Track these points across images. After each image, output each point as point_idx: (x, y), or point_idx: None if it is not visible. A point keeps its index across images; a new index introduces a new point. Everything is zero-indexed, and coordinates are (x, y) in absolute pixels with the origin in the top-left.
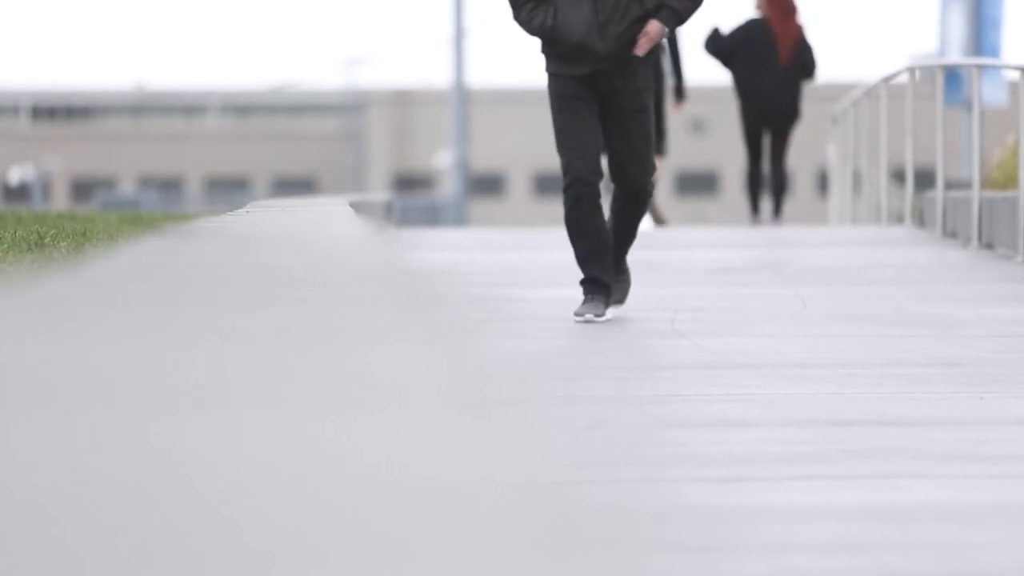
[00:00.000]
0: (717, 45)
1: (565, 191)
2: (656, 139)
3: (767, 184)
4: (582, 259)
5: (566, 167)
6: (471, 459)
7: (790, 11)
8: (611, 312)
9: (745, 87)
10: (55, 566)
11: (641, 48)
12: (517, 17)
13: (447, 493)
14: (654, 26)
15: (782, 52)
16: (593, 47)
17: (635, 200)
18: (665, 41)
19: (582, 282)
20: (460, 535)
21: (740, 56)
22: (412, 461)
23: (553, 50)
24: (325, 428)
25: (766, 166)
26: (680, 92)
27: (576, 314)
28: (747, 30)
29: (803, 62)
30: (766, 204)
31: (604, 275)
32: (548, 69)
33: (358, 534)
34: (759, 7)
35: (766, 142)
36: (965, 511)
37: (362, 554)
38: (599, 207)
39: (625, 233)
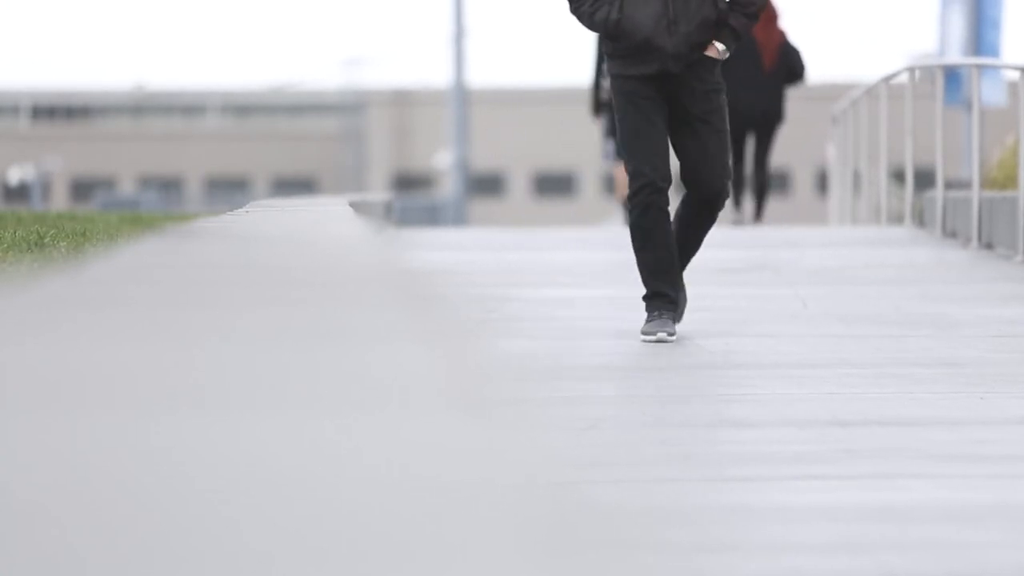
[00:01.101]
0: None
1: (631, 198)
2: None
3: (749, 186)
4: (649, 272)
5: (634, 172)
6: (471, 459)
7: (771, 17)
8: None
9: (729, 92)
10: (55, 566)
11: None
12: (577, 9)
13: (447, 493)
14: (713, 49)
15: (765, 57)
16: (661, 45)
17: (709, 206)
18: None
19: (647, 298)
20: (460, 535)
21: (724, 63)
22: (412, 461)
23: (616, 47)
24: (325, 428)
25: (748, 168)
26: None
27: (644, 333)
28: None
29: (789, 66)
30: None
31: (672, 290)
32: (612, 71)
33: (358, 534)
34: None
35: (750, 145)
36: (965, 511)
37: (362, 554)
38: (668, 216)
39: (690, 243)
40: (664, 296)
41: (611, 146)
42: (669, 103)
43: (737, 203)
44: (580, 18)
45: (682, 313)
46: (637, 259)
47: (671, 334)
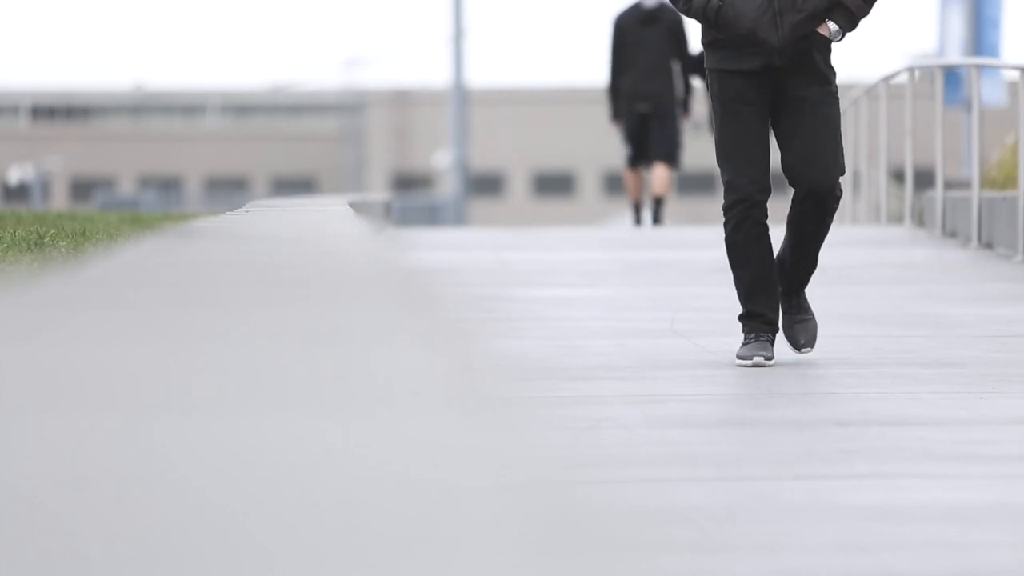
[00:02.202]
0: (694, 65)
1: (727, 211)
2: (673, 151)
3: None
4: (745, 291)
5: (729, 184)
6: (471, 459)
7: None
8: (804, 352)
9: None
10: (57, 565)
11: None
12: None
13: (447, 493)
14: (825, 29)
15: None
16: (765, 38)
17: (819, 206)
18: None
19: (743, 318)
20: (460, 535)
21: None
22: (412, 461)
23: (717, 38)
24: (325, 428)
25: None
26: (687, 106)
27: (739, 357)
28: None
29: None
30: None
31: (771, 311)
32: (710, 64)
33: (358, 534)
34: None
35: None
36: (965, 511)
37: (362, 554)
38: (766, 230)
39: (805, 253)
40: (760, 316)
41: (629, 150)
42: (773, 91)
43: None
44: (677, 5)
45: (814, 337)
46: (734, 276)
47: (769, 358)
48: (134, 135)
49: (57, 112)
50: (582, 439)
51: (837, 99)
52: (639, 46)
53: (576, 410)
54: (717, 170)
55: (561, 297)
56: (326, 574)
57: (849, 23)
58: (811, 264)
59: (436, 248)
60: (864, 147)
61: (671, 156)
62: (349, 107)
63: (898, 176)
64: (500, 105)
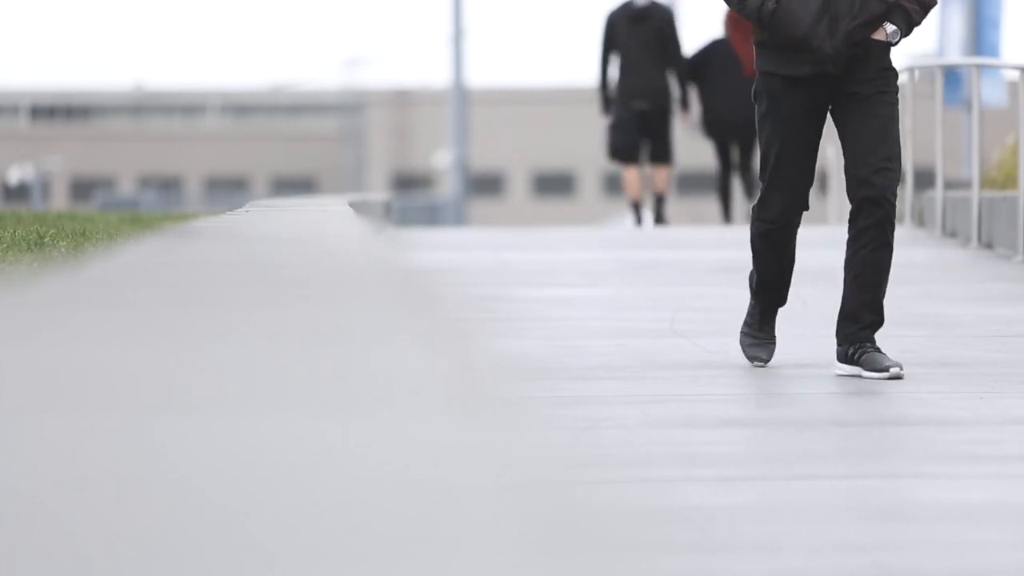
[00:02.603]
0: (684, 68)
1: (755, 221)
2: (664, 149)
3: (738, 190)
4: (760, 280)
5: (765, 200)
6: (471, 459)
7: (751, 30)
8: (892, 371)
9: (711, 103)
10: (57, 565)
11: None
12: None
13: (447, 493)
14: (881, 32)
15: (745, 68)
16: (819, 45)
17: (873, 213)
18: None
19: (756, 292)
20: (460, 535)
21: (705, 74)
22: (412, 461)
23: (769, 39)
24: (325, 428)
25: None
26: (685, 104)
27: (750, 358)
28: (711, 49)
29: None
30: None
31: (781, 300)
32: (760, 66)
33: (358, 534)
34: (724, 28)
35: (734, 153)
36: (965, 511)
37: (362, 554)
38: (794, 237)
39: (870, 276)
40: (772, 295)
41: (615, 143)
42: (831, 92)
43: (726, 214)
44: (731, 4)
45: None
46: (753, 263)
47: (766, 361)
48: (134, 135)
49: (57, 112)
50: (582, 439)
51: (897, 100)
52: (629, 45)
53: (576, 410)
54: (717, 170)
55: (561, 297)
56: (326, 574)
57: (906, 25)
58: (880, 287)
59: (436, 248)
60: None
61: (666, 155)
62: (349, 107)
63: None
64: (500, 105)
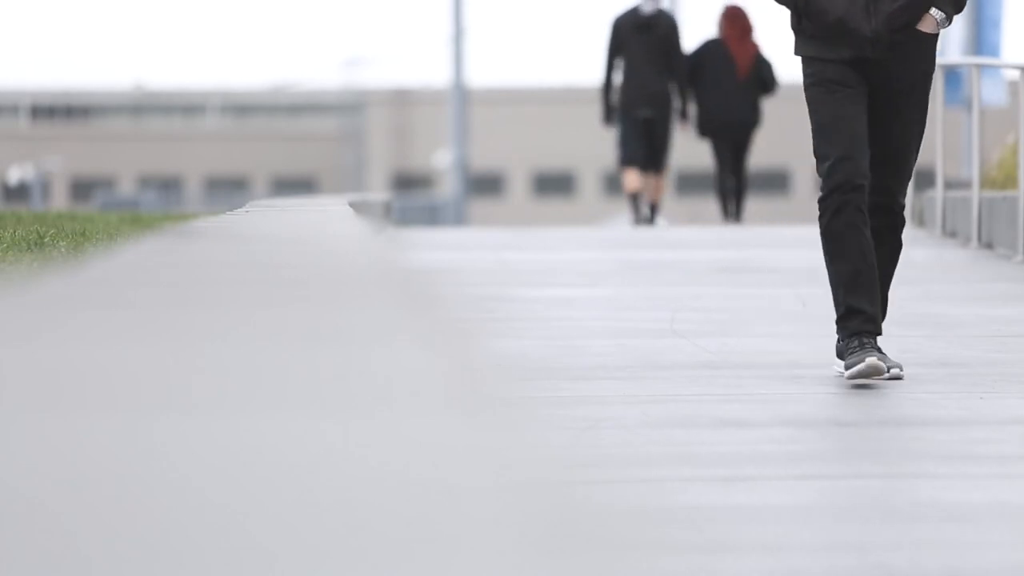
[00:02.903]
0: (684, 73)
1: (824, 199)
2: (660, 154)
3: (731, 190)
4: (845, 285)
5: (829, 169)
6: (471, 459)
7: (747, 30)
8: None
9: (706, 103)
10: (57, 565)
11: (924, 26)
12: None
13: (447, 493)
14: (930, 20)
15: (740, 68)
16: (857, 27)
17: (886, 217)
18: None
19: (843, 318)
20: (460, 535)
21: (700, 74)
22: (412, 461)
23: (807, 26)
24: (325, 428)
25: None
26: (684, 113)
27: (847, 368)
28: (706, 50)
29: (762, 79)
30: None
31: (872, 307)
32: (799, 51)
33: (358, 534)
34: (719, 28)
35: (729, 152)
36: (965, 511)
37: (362, 554)
38: (866, 220)
39: (883, 265)
40: (862, 313)
41: (621, 153)
42: (871, 84)
43: (725, 212)
44: None
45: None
46: (829, 271)
47: (881, 359)
48: (134, 135)
49: (57, 112)
50: (582, 439)
51: (927, 104)
52: (635, 52)
53: (576, 410)
54: (716, 170)
55: (561, 297)
56: (326, 574)
57: (954, 6)
58: (883, 286)
59: (436, 248)
60: None
61: (659, 163)
62: (349, 107)
63: None
64: (500, 105)
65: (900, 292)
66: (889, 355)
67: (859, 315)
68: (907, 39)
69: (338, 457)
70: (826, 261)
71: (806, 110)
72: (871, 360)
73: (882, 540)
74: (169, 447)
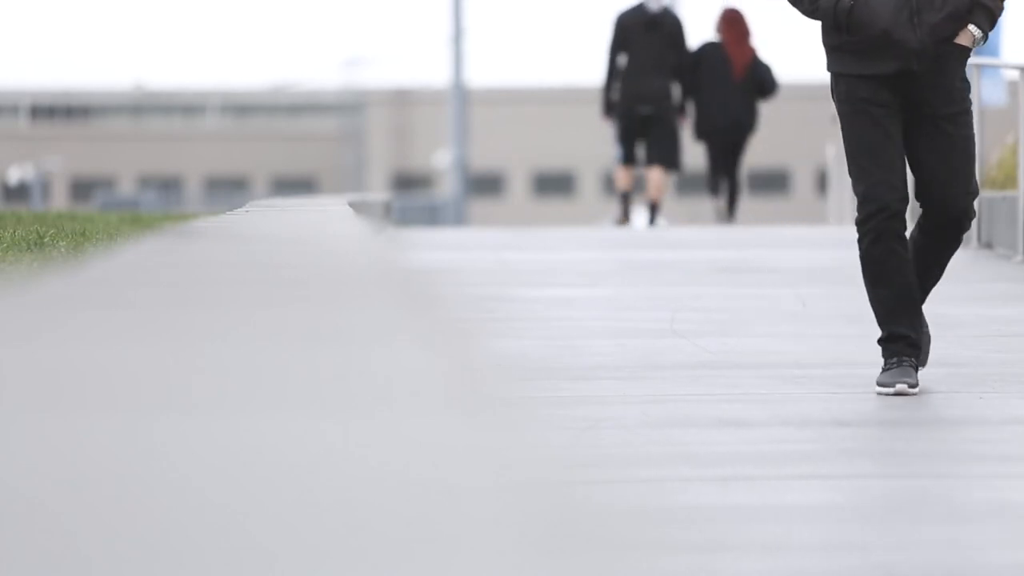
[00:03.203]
0: (685, 71)
1: (862, 224)
2: (673, 155)
3: (724, 190)
4: (886, 311)
5: (865, 193)
6: (471, 459)
7: (744, 34)
8: (897, 387)
9: (703, 105)
10: (57, 565)
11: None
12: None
13: (447, 493)
14: (968, 36)
15: (737, 71)
16: (902, 39)
17: (952, 228)
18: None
19: (883, 341)
20: (460, 535)
21: (698, 76)
22: (412, 461)
23: (846, 41)
24: (325, 428)
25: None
26: (684, 109)
27: (880, 384)
28: (704, 52)
29: (759, 82)
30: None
31: (914, 332)
32: (834, 68)
33: (358, 534)
34: (717, 31)
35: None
36: (965, 511)
37: (362, 554)
38: (905, 243)
39: (931, 271)
40: (903, 339)
41: (619, 151)
42: (906, 106)
43: (727, 211)
44: (801, 8)
45: (926, 356)
46: (870, 296)
47: (913, 385)
48: (134, 135)
49: (57, 112)
50: (582, 439)
51: (972, 116)
52: (640, 49)
53: (576, 410)
54: (708, 171)
55: (561, 297)
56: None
57: (989, 23)
58: (937, 279)
59: (436, 248)
60: None
61: (671, 160)
62: (349, 107)
63: None
64: (500, 105)
65: None
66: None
67: (902, 339)
68: (948, 52)
69: (338, 457)
70: (866, 284)
71: (806, 110)
72: (900, 386)
73: (882, 540)
74: (169, 447)
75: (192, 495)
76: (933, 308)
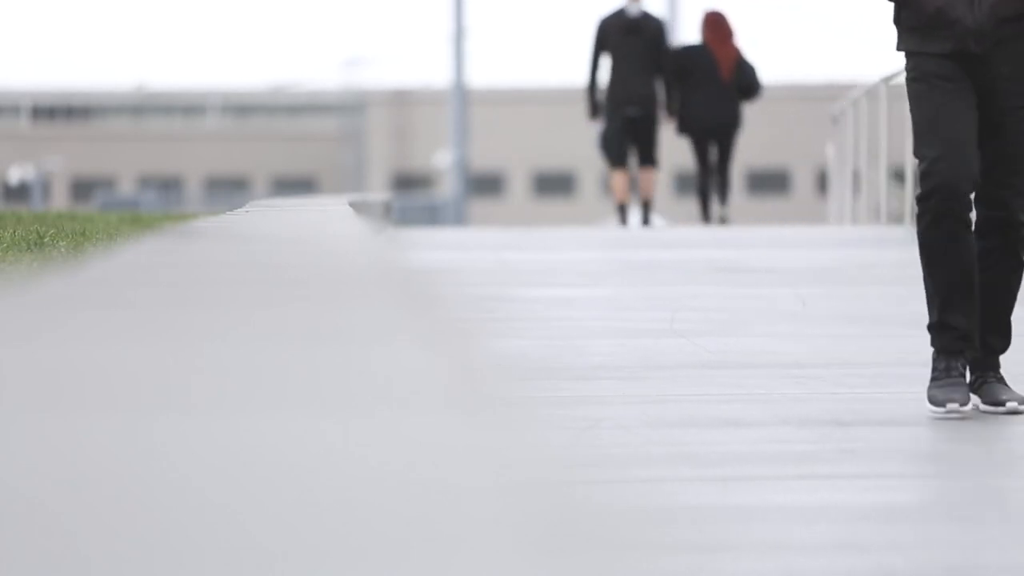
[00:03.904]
0: (669, 72)
1: (922, 201)
2: (651, 152)
3: (714, 190)
4: (941, 298)
5: (927, 170)
6: (471, 459)
7: (728, 34)
8: (1009, 405)
9: (690, 105)
10: (57, 565)
11: None
12: None
13: (447, 493)
14: None
15: (723, 71)
16: (959, 17)
17: (1004, 236)
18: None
19: (933, 328)
20: (460, 535)
21: (685, 77)
22: (412, 461)
23: (906, 17)
24: (325, 428)
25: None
26: (670, 109)
27: (931, 401)
28: (690, 53)
29: (744, 82)
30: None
31: (965, 321)
32: (901, 46)
33: (358, 534)
34: (701, 33)
35: (712, 153)
36: (964, 511)
37: (362, 553)
38: (969, 229)
39: (1000, 290)
40: (955, 330)
41: (607, 154)
42: (976, 84)
43: (705, 213)
44: None
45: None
46: (925, 280)
47: (964, 403)
48: (134, 135)
49: (57, 112)
50: (582, 439)
51: None
52: (622, 53)
53: (576, 410)
54: (698, 172)
55: (561, 297)
56: (326, 574)
57: None
58: (1011, 299)
59: (436, 248)
60: (864, 147)
61: (655, 159)
62: (349, 107)
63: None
64: (500, 105)
65: (900, 292)
66: (886, 353)
67: (951, 331)
68: (1014, 34)
69: (338, 457)
70: (923, 269)
71: (806, 110)
72: (952, 407)
73: (882, 540)
74: (169, 447)
75: (192, 495)
76: None
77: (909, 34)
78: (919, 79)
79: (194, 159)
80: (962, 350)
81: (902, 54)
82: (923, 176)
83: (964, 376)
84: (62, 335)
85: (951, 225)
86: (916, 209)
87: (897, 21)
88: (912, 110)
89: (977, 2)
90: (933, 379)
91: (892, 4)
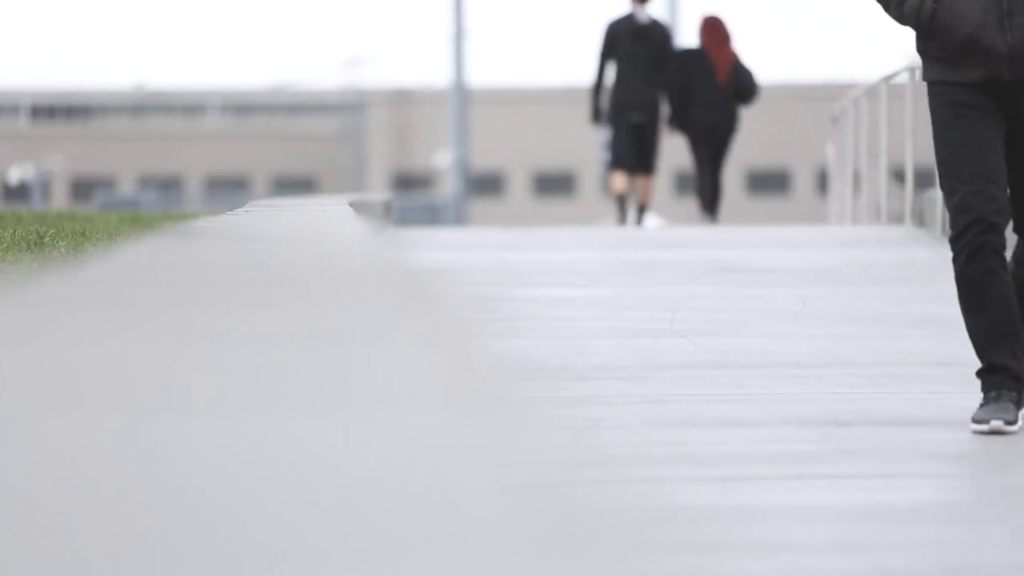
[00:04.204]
0: (671, 80)
1: (956, 240)
2: (650, 159)
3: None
4: (984, 339)
5: (959, 205)
6: (471, 459)
7: (725, 38)
8: (992, 424)
9: (690, 108)
10: (57, 565)
11: None
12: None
13: (447, 493)
14: None
15: (719, 75)
16: (990, 43)
17: None
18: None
19: (981, 373)
20: (460, 535)
21: (683, 80)
22: (412, 461)
23: (933, 47)
24: (325, 428)
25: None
26: (673, 119)
27: (975, 421)
28: (688, 57)
29: (741, 86)
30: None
31: (1014, 360)
32: (926, 76)
33: (358, 533)
34: (699, 37)
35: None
36: (964, 511)
37: (362, 553)
38: (1004, 261)
39: None
40: (1004, 370)
41: (608, 156)
42: (1005, 118)
43: (710, 210)
44: (886, 7)
45: None
46: (966, 321)
47: (1011, 422)
48: (134, 135)
49: (57, 112)
50: (582, 439)
51: None
52: (630, 58)
53: (576, 410)
54: (696, 173)
55: (561, 297)
56: (326, 574)
57: None
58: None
59: (436, 248)
60: (864, 147)
61: (654, 167)
62: (349, 107)
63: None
64: (500, 105)
65: (900, 292)
66: (886, 353)
67: (1002, 372)
68: None
69: (338, 457)
70: (962, 309)
71: (806, 110)
72: (996, 423)
73: (882, 540)
74: (169, 447)
75: (192, 495)
76: (933, 308)
77: (937, 64)
78: (944, 107)
79: (194, 159)
80: (1012, 388)
81: (917, 71)
82: (956, 211)
83: (1015, 403)
84: (62, 335)
85: (988, 259)
86: (951, 249)
87: (923, 51)
88: (938, 139)
89: (1009, 27)
90: (982, 404)
91: (915, 33)
